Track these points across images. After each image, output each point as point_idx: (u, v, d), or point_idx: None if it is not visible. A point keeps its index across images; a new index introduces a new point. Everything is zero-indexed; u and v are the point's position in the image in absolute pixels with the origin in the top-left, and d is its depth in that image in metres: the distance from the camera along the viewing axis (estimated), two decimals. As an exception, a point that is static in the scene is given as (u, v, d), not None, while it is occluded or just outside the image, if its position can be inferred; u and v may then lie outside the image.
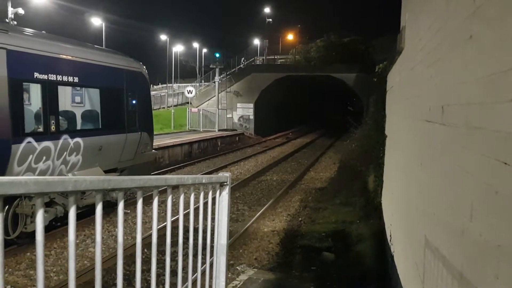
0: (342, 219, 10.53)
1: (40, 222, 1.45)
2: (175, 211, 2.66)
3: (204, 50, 68.85)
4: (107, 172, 9.89)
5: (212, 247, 3.17)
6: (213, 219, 3.16)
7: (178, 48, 64.80)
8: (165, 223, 2.58)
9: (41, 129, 8.13)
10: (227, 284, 3.38)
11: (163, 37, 64.81)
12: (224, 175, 3.25)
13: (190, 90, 33.87)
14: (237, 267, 7.59)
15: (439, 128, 3.00)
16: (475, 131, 2.12)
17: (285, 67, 40.23)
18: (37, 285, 1.48)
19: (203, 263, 3.01)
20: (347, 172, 16.83)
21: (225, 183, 3.25)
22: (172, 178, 2.50)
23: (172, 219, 2.48)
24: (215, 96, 34.61)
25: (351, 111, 22.38)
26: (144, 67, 11.97)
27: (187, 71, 63.98)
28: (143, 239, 2.15)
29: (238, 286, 6.13)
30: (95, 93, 9.82)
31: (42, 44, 8.20)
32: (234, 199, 12.70)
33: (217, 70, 33.85)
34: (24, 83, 7.81)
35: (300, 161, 21.94)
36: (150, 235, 2.30)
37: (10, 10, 24.57)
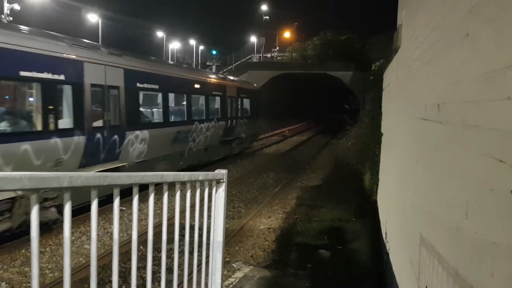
0: (338, 216, 10.56)
1: (35, 219, 1.44)
2: (171, 208, 2.65)
3: (201, 47, 68.76)
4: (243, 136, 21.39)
5: (208, 244, 3.17)
6: (209, 216, 3.14)
7: (174, 45, 64.62)
8: (161, 221, 2.57)
9: (231, 115, 19.60)
10: (222, 281, 3.38)
11: (160, 33, 64.55)
12: (221, 172, 3.25)
13: (186, 87, 33.79)
14: (233, 265, 7.59)
15: (435, 126, 3.01)
16: (471, 129, 2.12)
17: (281, 65, 40.15)
18: (32, 282, 1.47)
19: (199, 260, 3.01)
20: (343, 170, 16.86)
21: (222, 180, 3.24)
22: (169, 174, 2.49)
23: (168, 216, 2.48)
24: (211, 93, 34.64)
25: (347, 109, 22.52)
26: (259, 87, 27.06)
27: (183, 69, 63.63)
28: (138, 236, 2.15)
29: (233, 283, 6.13)
30: (247, 101, 22.20)
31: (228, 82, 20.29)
32: (230, 196, 12.68)
33: (213, 67, 33.77)
34: (213, 97, 17.90)
35: (296, 159, 21.96)
36: (146, 232, 2.29)
37: (6, 6, 24.40)
